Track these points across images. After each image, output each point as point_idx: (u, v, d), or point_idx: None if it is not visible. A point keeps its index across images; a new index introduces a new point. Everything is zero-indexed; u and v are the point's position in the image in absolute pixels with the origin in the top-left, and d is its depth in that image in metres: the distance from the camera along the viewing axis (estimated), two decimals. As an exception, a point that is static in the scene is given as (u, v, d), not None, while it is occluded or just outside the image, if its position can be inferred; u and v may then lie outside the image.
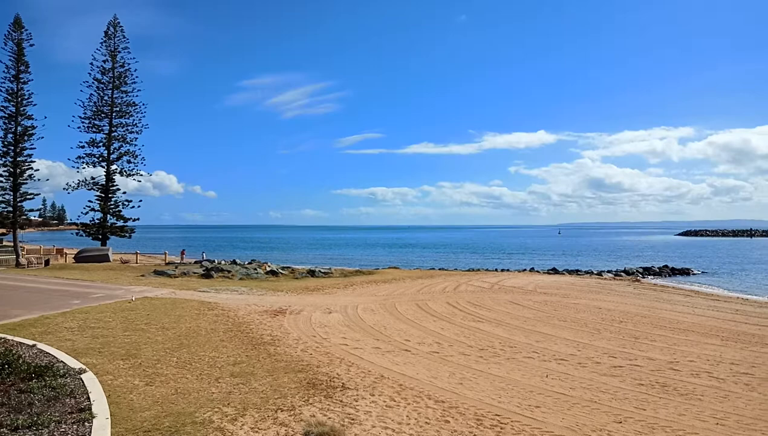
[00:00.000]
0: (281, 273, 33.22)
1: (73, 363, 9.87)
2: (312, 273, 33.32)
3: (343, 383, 9.37)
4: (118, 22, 47.39)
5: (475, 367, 10.89)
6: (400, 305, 19.94)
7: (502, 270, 42.50)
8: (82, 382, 8.52)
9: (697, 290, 30.85)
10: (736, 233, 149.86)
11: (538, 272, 41.25)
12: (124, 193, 49.01)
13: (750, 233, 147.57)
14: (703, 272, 43.63)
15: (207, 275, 30.91)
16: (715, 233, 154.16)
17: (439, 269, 43.16)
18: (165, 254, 48.07)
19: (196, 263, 38.75)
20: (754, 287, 34.09)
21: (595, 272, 40.89)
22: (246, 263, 37.90)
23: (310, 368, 10.44)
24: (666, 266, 44.54)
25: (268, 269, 34.35)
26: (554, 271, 41.77)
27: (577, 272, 41.71)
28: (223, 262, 38.23)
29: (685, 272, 42.82)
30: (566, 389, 9.36)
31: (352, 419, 7.49)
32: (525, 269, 43.79)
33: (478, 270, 41.72)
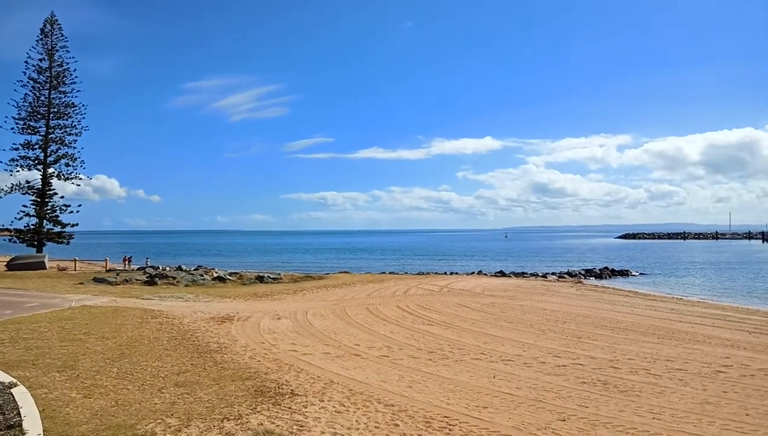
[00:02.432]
0: (229, 279, 32.53)
1: (3, 377, 9.32)
2: (261, 279, 32.78)
3: (292, 390, 9.25)
4: (56, 19, 45.36)
5: (425, 370, 10.98)
6: (351, 309, 19.89)
7: (451, 273, 43.09)
8: (13, 397, 8.06)
9: (635, 290, 32.23)
10: (670, 236, 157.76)
11: (485, 274, 42.07)
12: (62, 197, 46.84)
13: (683, 236, 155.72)
14: (641, 273, 45.63)
15: (151, 281, 29.91)
16: (652, 236, 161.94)
17: (390, 273, 43.34)
18: (106, 260, 46.16)
19: (139, 269, 37.43)
20: (688, 286, 35.95)
21: (540, 275, 42.08)
22: (192, 269, 36.92)
23: (258, 375, 10.26)
24: (606, 268, 46.36)
25: (215, 275, 33.55)
26: (501, 273, 42.70)
27: (523, 274, 42.78)
28: (167, 268, 37.09)
29: (624, 274, 44.70)
30: (513, 389, 9.56)
31: (301, 426, 7.40)
32: (473, 272, 44.55)
33: (428, 274, 42.15)
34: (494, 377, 10.46)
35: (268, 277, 33.33)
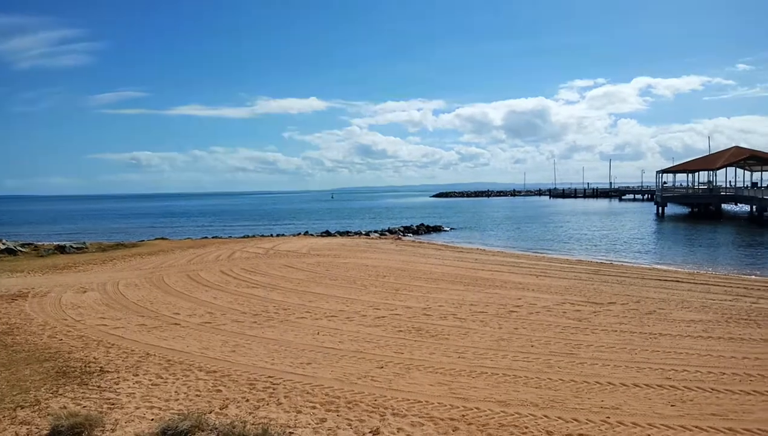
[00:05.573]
0: (21, 251, 28.43)
1: None
2: (62, 249, 29.21)
3: (101, 367, 8.56)
4: None
5: (249, 333, 10.90)
6: (169, 277, 18.80)
7: (278, 235, 42.83)
8: None
9: (446, 244, 35.20)
10: (477, 194, 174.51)
11: (312, 235, 42.56)
12: None
13: (488, 194, 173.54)
14: (452, 229, 49.87)
15: None
16: (461, 194, 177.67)
17: (213, 238, 41.62)
18: None
19: None
20: (489, 239, 40.28)
21: (364, 233, 43.78)
22: (-29, 241, 31.47)
23: (60, 355, 9.29)
24: (422, 225, 49.81)
25: (2, 246, 29.06)
26: (327, 233, 43.55)
27: (347, 233, 44.11)
28: (-64, 242, 31.13)
29: (437, 229, 48.50)
30: (336, 344, 9.98)
31: (112, 404, 6.92)
32: (300, 233, 44.78)
33: (254, 236, 41.36)
34: (318, 333, 10.79)
35: (71, 247, 29.83)
